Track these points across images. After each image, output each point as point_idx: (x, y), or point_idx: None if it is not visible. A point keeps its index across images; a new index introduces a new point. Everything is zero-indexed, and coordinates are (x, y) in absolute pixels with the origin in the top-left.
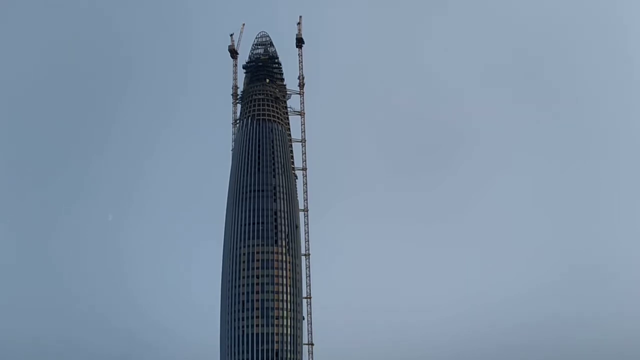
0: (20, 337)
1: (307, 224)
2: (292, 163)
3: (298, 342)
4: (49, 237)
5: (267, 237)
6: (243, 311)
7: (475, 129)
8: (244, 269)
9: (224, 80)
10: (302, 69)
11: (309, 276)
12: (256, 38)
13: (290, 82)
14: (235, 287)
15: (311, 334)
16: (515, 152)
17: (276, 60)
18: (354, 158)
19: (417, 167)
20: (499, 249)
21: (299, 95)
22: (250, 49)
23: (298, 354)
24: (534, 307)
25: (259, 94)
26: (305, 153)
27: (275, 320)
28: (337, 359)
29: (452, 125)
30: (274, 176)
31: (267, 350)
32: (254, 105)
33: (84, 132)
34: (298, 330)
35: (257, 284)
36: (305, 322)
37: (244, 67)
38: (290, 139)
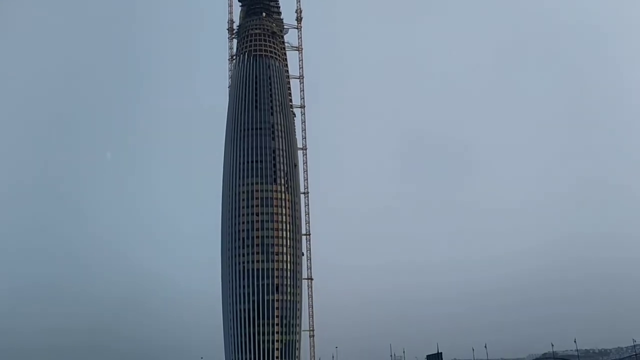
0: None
1: (306, 163)
2: (290, 100)
3: (298, 277)
4: (47, 173)
5: (266, 176)
6: (243, 247)
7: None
8: (243, 207)
9: (220, 14)
10: (299, 2)
11: (308, 214)
12: None
13: (288, 16)
14: (235, 224)
15: (310, 269)
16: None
17: None
18: (352, 94)
19: None
20: (506, 165)
21: (296, 30)
22: None
23: (298, 288)
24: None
25: (256, 29)
26: (303, 90)
27: (275, 256)
28: (336, 293)
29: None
30: (272, 114)
31: (268, 284)
32: (251, 41)
33: (84, 74)
34: (298, 266)
35: (257, 221)
36: (304, 258)
37: (239, 0)
38: (288, 76)
